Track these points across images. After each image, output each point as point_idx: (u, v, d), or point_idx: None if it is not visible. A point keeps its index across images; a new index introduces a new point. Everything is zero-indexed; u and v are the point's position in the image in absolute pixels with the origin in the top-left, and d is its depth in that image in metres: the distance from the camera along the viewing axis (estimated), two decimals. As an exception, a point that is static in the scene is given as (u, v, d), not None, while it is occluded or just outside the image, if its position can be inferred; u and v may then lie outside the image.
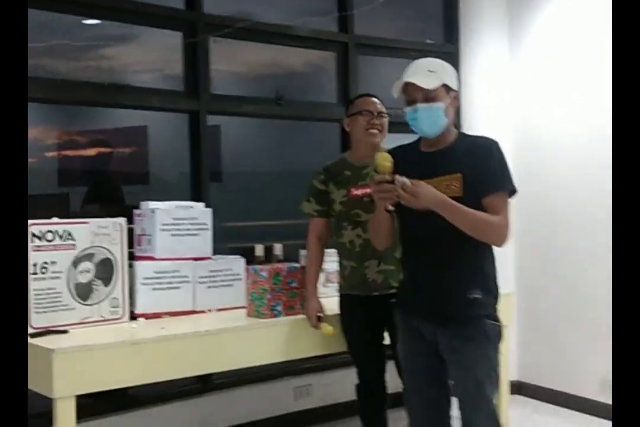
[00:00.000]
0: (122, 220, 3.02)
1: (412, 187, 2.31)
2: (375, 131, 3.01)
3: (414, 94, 2.41)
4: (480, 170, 2.39)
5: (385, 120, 3.06)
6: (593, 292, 4.17)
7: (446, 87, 2.45)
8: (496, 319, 2.49)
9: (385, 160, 2.39)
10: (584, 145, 4.26)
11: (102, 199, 4.20)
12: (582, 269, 4.25)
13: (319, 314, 3.04)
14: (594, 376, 4.18)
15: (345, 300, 3.14)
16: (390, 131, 3.07)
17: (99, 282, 2.91)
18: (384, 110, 3.06)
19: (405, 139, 2.63)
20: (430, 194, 2.33)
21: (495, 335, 2.48)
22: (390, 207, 2.41)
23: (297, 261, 3.71)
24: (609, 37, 4.04)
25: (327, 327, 3.00)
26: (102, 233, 2.94)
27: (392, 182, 2.33)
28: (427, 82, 2.39)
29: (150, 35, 4.12)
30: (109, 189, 4.27)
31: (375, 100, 3.09)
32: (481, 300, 2.43)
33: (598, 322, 4.15)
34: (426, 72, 2.42)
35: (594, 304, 4.17)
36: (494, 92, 4.72)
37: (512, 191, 2.49)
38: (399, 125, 2.62)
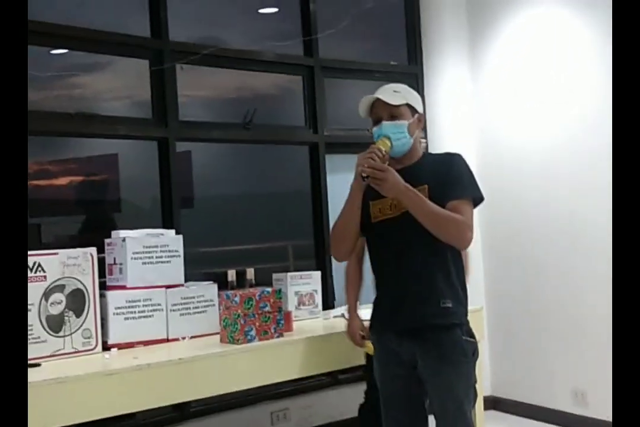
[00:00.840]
0: (92, 250, 3.02)
1: (381, 174, 2.34)
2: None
3: (379, 113, 2.50)
4: (445, 179, 2.45)
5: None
6: (564, 305, 4.23)
7: (411, 108, 2.53)
8: (471, 335, 2.52)
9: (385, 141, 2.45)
10: (541, 158, 4.36)
11: (75, 228, 4.18)
12: (551, 281, 4.31)
13: (361, 333, 2.99)
14: (567, 388, 4.23)
15: None
16: (357, 152, 3.08)
17: (70, 313, 2.91)
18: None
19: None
20: (396, 181, 2.36)
21: (472, 352, 2.51)
22: (364, 174, 2.37)
23: (269, 284, 3.73)
24: (561, 59, 4.19)
25: (369, 345, 2.90)
26: (73, 264, 2.94)
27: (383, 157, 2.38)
28: (392, 99, 2.48)
29: (119, 63, 4.13)
30: (104, 218, 4.28)
31: None
32: (452, 309, 2.47)
33: (569, 335, 4.21)
34: (391, 92, 2.53)
35: (564, 316, 4.23)
36: (457, 110, 4.81)
37: (478, 198, 2.53)
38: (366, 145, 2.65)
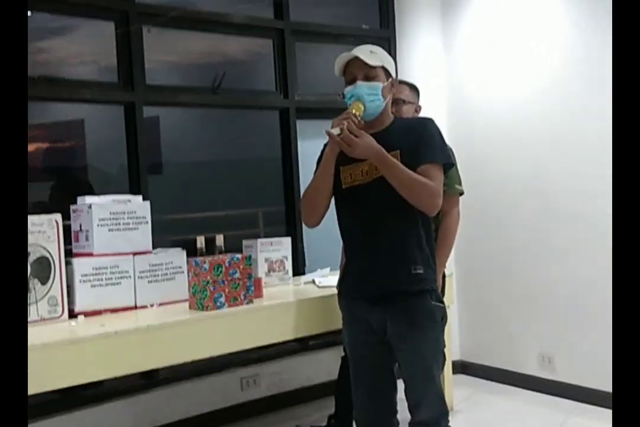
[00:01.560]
0: (57, 216, 2.95)
1: (350, 138, 2.32)
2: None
3: (354, 72, 2.48)
4: (416, 144, 2.44)
5: (403, 107, 3.07)
6: (533, 271, 4.27)
7: (386, 71, 2.52)
8: (440, 300, 2.54)
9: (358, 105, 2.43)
10: (514, 122, 4.37)
11: (67, 193, 4.11)
12: (521, 247, 4.34)
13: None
14: (534, 353, 4.29)
15: None
16: (328, 117, 3.06)
17: (35, 281, 2.86)
18: (402, 96, 3.05)
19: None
20: (370, 144, 2.35)
21: (441, 318, 2.53)
22: (336, 131, 2.35)
23: (239, 251, 3.71)
24: (534, 22, 4.17)
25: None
26: (37, 231, 2.88)
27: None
28: (370, 60, 2.46)
29: (86, 27, 4.03)
30: (75, 184, 4.20)
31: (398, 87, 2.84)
32: (423, 275, 2.48)
33: (536, 300, 4.26)
34: (368, 52, 2.50)
35: (533, 282, 4.27)
36: (429, 74, 4.77)
37: (448, 164, 2.53)
38: (338, 111, 2.62)
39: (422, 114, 3.18)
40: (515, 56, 4.33)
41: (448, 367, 3.99)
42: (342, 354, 3.29)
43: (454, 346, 4.52)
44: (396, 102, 3.00)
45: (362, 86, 2.45)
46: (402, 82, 3.11)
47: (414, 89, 3.15)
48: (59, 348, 2.59)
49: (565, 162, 4.05)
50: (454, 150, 2.99)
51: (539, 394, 4.21)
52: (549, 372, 4.22)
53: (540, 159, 4.20)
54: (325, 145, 2.58)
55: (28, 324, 2.79)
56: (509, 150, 4.38)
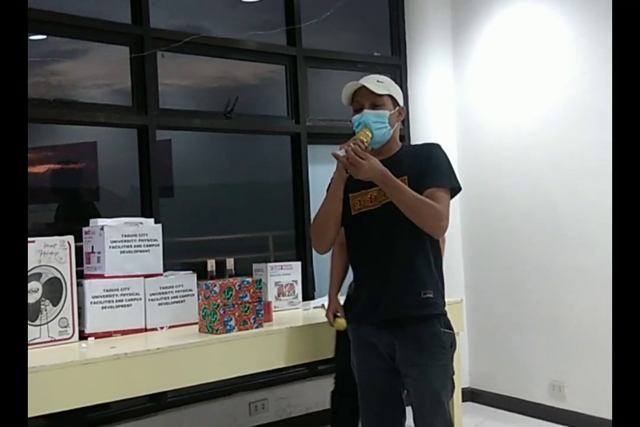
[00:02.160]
0: (70, 238, 2.98)
1: (355, 159, 2.33)
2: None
3: (362, 101, 2.51)
4: (423, 169, 2.46)
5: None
6: (543, 298, 4.25)
7: (392, 100, 2.55)
8: (449, 327, 2.53)
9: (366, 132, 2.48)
10: (523, 151, 4.38)
11: (75, 215, 4.13)
12: (531, 274, 4.33)
13: (337, 313, 2.94)
14: (544, 381, 4.26)
15: None
16: (339, 142, 3.07)
17: (47, 302, 2.87)
18: None
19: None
20: (375, 165, 2.36)
21: (450, 344, 2.52)
22: (342, 153, 2.38)
23: (249, 275, 3.71)
24: (544, 51, 4.21)
25: (340, 321, 2.88)
26: (50, 252, 2.91)
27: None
28: (376, 88, 2.50)
29: (99, 50, 4.08)
30: (80, 206, 4.23)
31: None
32: (433, 299, 2.48)
33: (546, 328, 4.24)
34: (375, 82, 2.54)
35: (543, 310, 4.25)
36: (439, 102, 4.81)
37: (455, 189, 2.53)
38: (348, 136, 2.64)
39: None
40: (524, 85, 4.37)
41: (457, 395, 3.95)
42: (332, 388, 3.27)
43: (463, 374, 4.48)
44: None
45: (369, 114, 2.48)
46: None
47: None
48: (69, 369, 2.60)
49: (578, 191, 4.05)
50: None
51: (549, 423, 4.17)
52: (559, 400, 4.18)
53: (549, 187, 4.21)
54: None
55: (38, 345, 2.82)
56: (520, 176, 4.39)
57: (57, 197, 4.38)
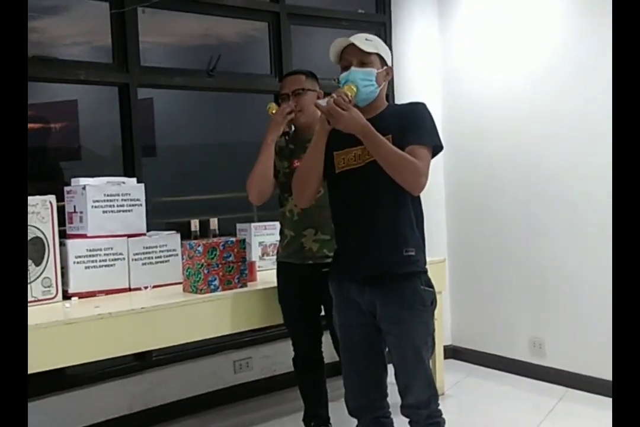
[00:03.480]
0: (51, 197, 2.96)
1: (335, 109, 2.34)
2: (293, 114, 3.02)
3: (350, 58, 2.50)
4: (406, 126, 2.46)
5: (305, 96, 3.03)
6: (524, 257, 4.29)
7: (381, 59, 2.54)
8: (430, 285, 2.55)
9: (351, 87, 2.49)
10: (509, 109, 4.35)
11: (34, 175, 4.09)
12: (513, 233, 4.35)
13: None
14: (524, 338, 4.32)
15: (281, 268, 3.17)
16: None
17: (29, 262, 2.86)
18: (301, 86, 3.04)
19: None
20: (356, 117, 2.36)
21: (430, 301, 2.54)
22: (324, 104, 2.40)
23: (233, 235, 3.72)
24: (532, 7, 4.16)
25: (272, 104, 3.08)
26: (32, 211, 2.88)
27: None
28: (365, 46, 2.48)
29: (79, 7, 3.99)
30: (46, 166, 4.17)
31: (293, 77, 3.09)
32: (415, 257, 2.50)
33: (527, 286, 4.28)
34: (364, 40, 2.52)
35: (525, 268, 4.29)
36: (424, 60, 4.75)
37: (437, 147, 2.53)
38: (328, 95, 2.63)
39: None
40: (511, 41, 4.31)
41: (439, 352, 4.02)
42: (293, 355, 3.30)
43: (446, 331, 4.54)
44: (296, 93, 3.03)
45: (356, 72, 2.47)
46: (296, 72, 3.14)
47: (311, 76, 3.12)
48: (53, 329, 2.60)
49: (561, 148, 4.05)
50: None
51: (530, 380, 4.24)
52: (540, 357, 4.25)
53: (535, 145, 4.20)
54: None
55: (22, 305, 2.81)
56: (504, 135, 4.37)
57: (38, 157, 4.34)
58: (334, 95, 2.39)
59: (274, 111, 3.04)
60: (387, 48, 2.60)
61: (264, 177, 3.00)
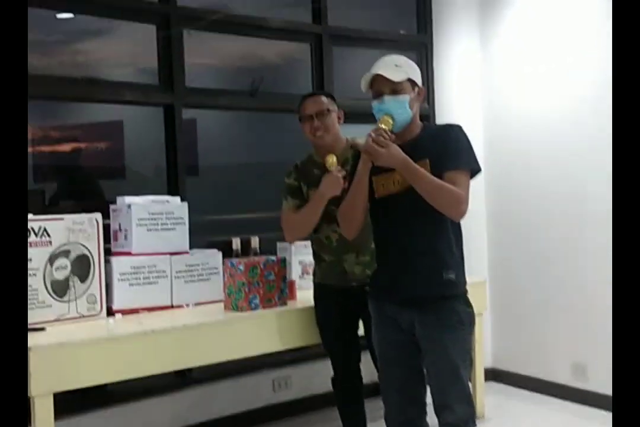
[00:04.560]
0: (97, 215, 3.02)
1: (374, 148, 2.37)
2: (320, 134, 3.02)
3: (381, 87, 2.50)
4: (443, 151, 2.47)
5: (330, 117, 3.04)
6: (568, 278, 4.23)
7: (411, 82, 2.55)
8: (469, 305, 2.55)
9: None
10: (553, 129, 4.30)
11: (78, 194, 4.18)
12: (555, 254, 4.30)
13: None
14: (566, 362, 4.25)
15: (320, 289, 3.17)
16: (364, 121, 3.08)
17: (75, 278, 2.92)
18: (325, 106, 3.04)
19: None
20: (394, 153, 2.39)
21: (469, 321, 2.54)
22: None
23: (274, 253, 3.73)
24: (575, 27, 4.14)
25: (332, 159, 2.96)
26: (78, 229, 2.95)
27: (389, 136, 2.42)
28: (394, 75, 2.49)
29: (125, 29, 4.09)
30: (85, 184, 4.26)
31: (315, 98, 3.08)
32: (454, 280, 2.50)
33: (571, 309, 4.22)
34: (393, 67, 2.52)
35: (567, 290, 4.23)
36: (466, 81, 4.75)
37: (475, 171, 2.54)
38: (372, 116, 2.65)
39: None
40: (556, 60, 4.27)
41: (480, 374, 3.98)
42: (332, 375, 3.29)
43: (486, 353, 4.49)
44: (320, 114, 3.02)
45: (389, 101, 2.48)
46: (316, 94, 3.15)
47: (330, 97, 3.13)
48: (97, 345, 2.65)
49: (603, 171, 3.98)
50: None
51: (571, 404, 4.16)
52: (582, 381, 4.17)
53: (577, 167, 4.15)
54: (356, 156, 2.66)
55: (67, 321, 2.86)
56: (546, 156, 4.33)
57: (84, 176, 4.43)
58: (372, 133, 2.41)
59: (332, 168, 2.93)
60: (416, 68, 2.59)
61: (310, 224, 3.01)
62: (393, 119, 2.46)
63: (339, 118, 3.10)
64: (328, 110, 3.05)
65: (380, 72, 2.48)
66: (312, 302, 3.21)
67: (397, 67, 2.52)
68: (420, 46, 4.78)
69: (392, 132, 2.44)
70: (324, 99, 3.09)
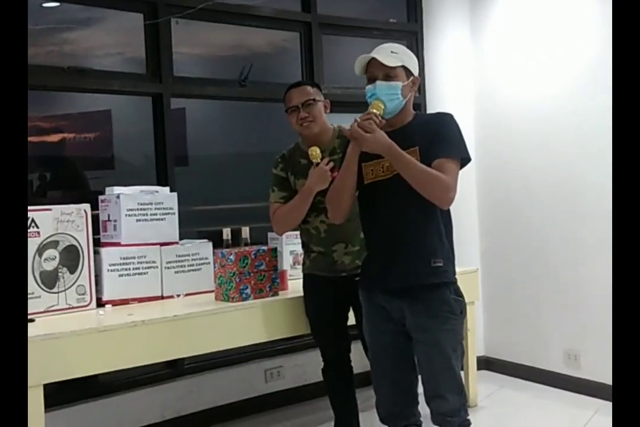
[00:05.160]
0: (86, 206, 3.00)
1: (359, 133, 2.36)
2: (307, 124, 3.01)
3: (375, 72, 2.50)
4: (432, 139, 2.47)
5: (316, 107, 3.02)
6: (560, 267, 4.23)
7: (406, 70, 2.54)
8: (459, 294, 2.55)
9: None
10: (543, 119, 4.29)
11: (66, 184, 4.15)
12: (547, 243, 4.30)
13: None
14: (559, 350, 4.26)
15: (309, 280, 3.17)
16: (354, 110, 3.07)
17: (64, 269, 2.90)
18: (311, 96, 3.02)
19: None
20: (380, 138, 2.38)
21: (459, 310, 2.54)
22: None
23: (265, 243, 3.72)
24: (565, 16, 4.12)
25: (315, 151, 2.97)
26: (66, 220, 2.93)
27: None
28: (388, 61, 2.48)
29: (113, 18, 4.05)
30: (72, 175, 4.23)
31: (300, 89, 3.06)
32: (443, 268, 2.50)
33: (562, 296, 4.23)
34: (389, 53, 2.52)
35: (559, 278, 4.24)
36: (456, 69, 4.74)
37: (465, 159, 2.53)
38: (364, 104, 2.63)
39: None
40: (546, 49, 4.27)
41: (472, 363, 3.98)
42: (322, 366, 3.28)
43: (479, 342, 4.49)
44: (306, 104, 3.00)
45: (381, 86, 2.47)
46: (301, 84, 3.13)
47: (315, 86, 3.12)
48: (87, 336, 2.63)
49: (596, 160, 3.98)
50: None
51: (564, 392, 4.18)
52: (575, 369, 4.18)
53: (570, 156, 4.15)
54: (346, 142, 2.63)
55: (57, 312, 2.85)
56: (538, 146, 4.33)
57: (73, 166, 4.39)
58: (357, 118, 2.41)
59: (319, 160, 2.94)
60: (413, 57, 2.59)
61: (298, 217, 3.02)
62: (384, 104, 2.45)
63: (325, 107, 3.09)
64: (314, 100, 3.03)
65: (375, 55, 2.48)
66: (300, 292, 3.20)
67: (393, 53, 2.52)
68: (411, 35, 4.77)
69: (382, 117, 2.43)
70: (309, 89, 3.06)
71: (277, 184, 3.12)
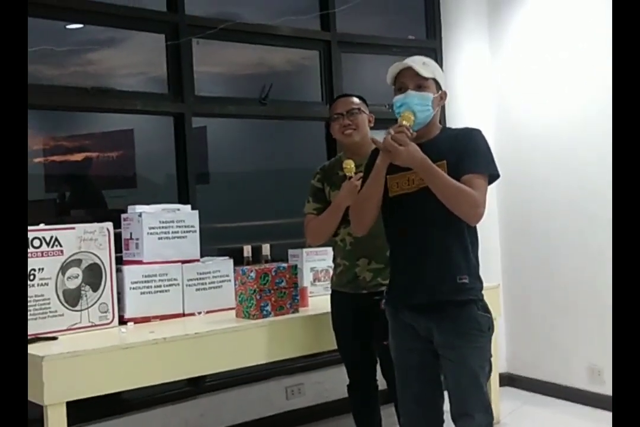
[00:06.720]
0: (109, 225, 3.03)
1: (393, 146, 2.33)
2: (349, 132, 3.02)
3: (406, 82, 2.48)
4: (462, 154, 2.44)
5: (360, 116, 3.04)
6: (580, 282, 4.21)
7: (436, 83, 2.53)
8: (486, 310, 2.52)
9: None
10: (563, 136, 4.29)
11: (89, 203, 4.20)
12: (568, 258, 4.28)
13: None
14: (582, 366, 4.22)
15: (335, 296, 3.17)
16: (373, 127, 3.09)
17: (87, 287, 2.93)
18: (356, 106, 3.05)
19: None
20: (411, 154, 2.35)
21: (487, 327, 2.51)
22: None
23: (285, 260, 3.74)
24: (585, 31, 4.12)
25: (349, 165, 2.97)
26: (89, 238, 2.96)
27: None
28: (423, 71, 2.47)
29: (135, 39, 4.12)
30: (95, 194, 4.28)
31: (346, 99, 3.10)
32: (469, 285, 2.47)
33: (585, 312, 4.19)
34: (421, 64, 2.51)
35: (581, 293, 4.21)
36: (475, 86, 4.75)
37: (493, 175, 2.52)
38: (383, 121, 2.65)
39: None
40: (565, 66, 4.26)
41: (495, 380, 3.95)
42: (346, 381, 3.26)
43: (501, 358, 4.46)
44: (351, 112, 3.02)
45: (413, 96, 2.45)
46: (348, 95, 3.14)
47: (362, 100, 3.13)
48: (109, 354, 2.64)
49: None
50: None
51: (588, 408, 4.13)
52: (599, 385, 4.14)
53: (589, 172, 4.13)
54: (372, 152, 2.62)
55: (79, 330, 2.87)
56: (557, 162, 4.31)
57: (95, 185, 4.45)
58: (391, 130, 2.38)
59: (352, 174, 2.93)
60: (442, 72, 2.59)
61: (329, 230, 3.01)
62: (415, 115, 2.42)
63: (369, 121, 3.09)
64: (359, 109, 3.05)
65: (410, 64, 2.47)
66: (324, 309, 3.20)
67: (425, 65, 2.51)
68: (430, 52, 4.78)
69: (412, 129, 2.41)
70: (355, 99, 3.09)
71: (312, 195, 3.13)
